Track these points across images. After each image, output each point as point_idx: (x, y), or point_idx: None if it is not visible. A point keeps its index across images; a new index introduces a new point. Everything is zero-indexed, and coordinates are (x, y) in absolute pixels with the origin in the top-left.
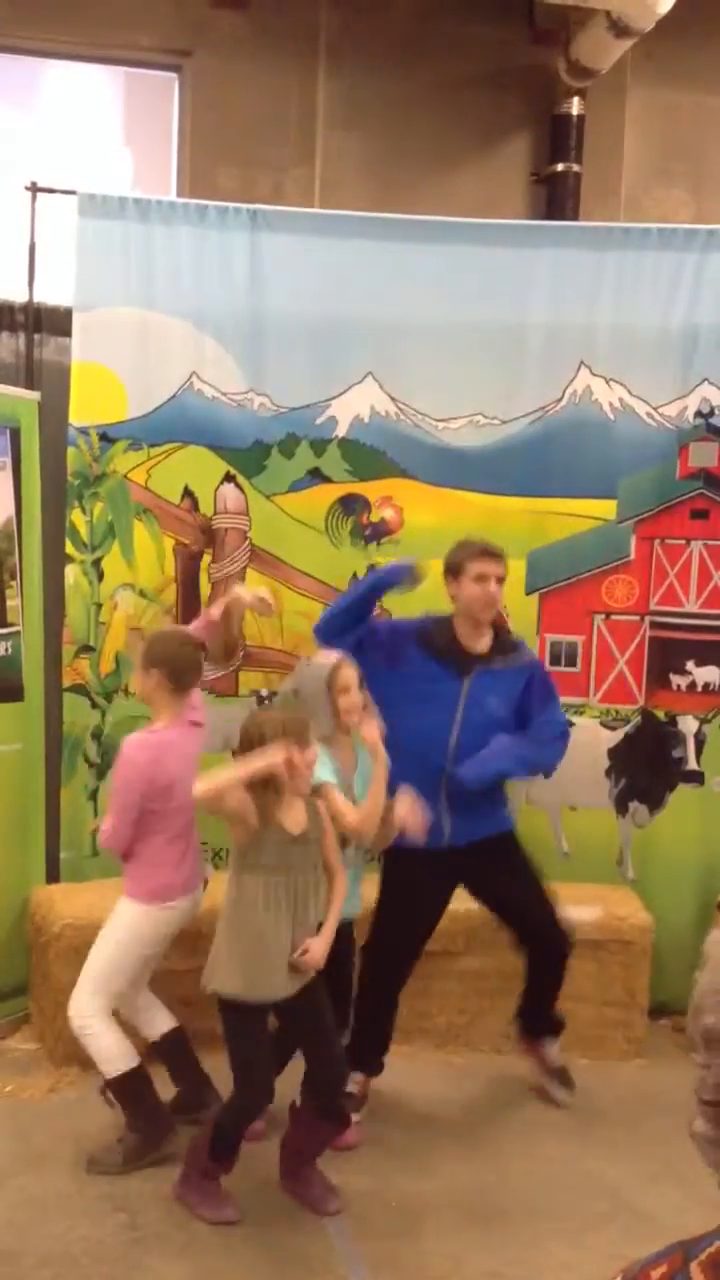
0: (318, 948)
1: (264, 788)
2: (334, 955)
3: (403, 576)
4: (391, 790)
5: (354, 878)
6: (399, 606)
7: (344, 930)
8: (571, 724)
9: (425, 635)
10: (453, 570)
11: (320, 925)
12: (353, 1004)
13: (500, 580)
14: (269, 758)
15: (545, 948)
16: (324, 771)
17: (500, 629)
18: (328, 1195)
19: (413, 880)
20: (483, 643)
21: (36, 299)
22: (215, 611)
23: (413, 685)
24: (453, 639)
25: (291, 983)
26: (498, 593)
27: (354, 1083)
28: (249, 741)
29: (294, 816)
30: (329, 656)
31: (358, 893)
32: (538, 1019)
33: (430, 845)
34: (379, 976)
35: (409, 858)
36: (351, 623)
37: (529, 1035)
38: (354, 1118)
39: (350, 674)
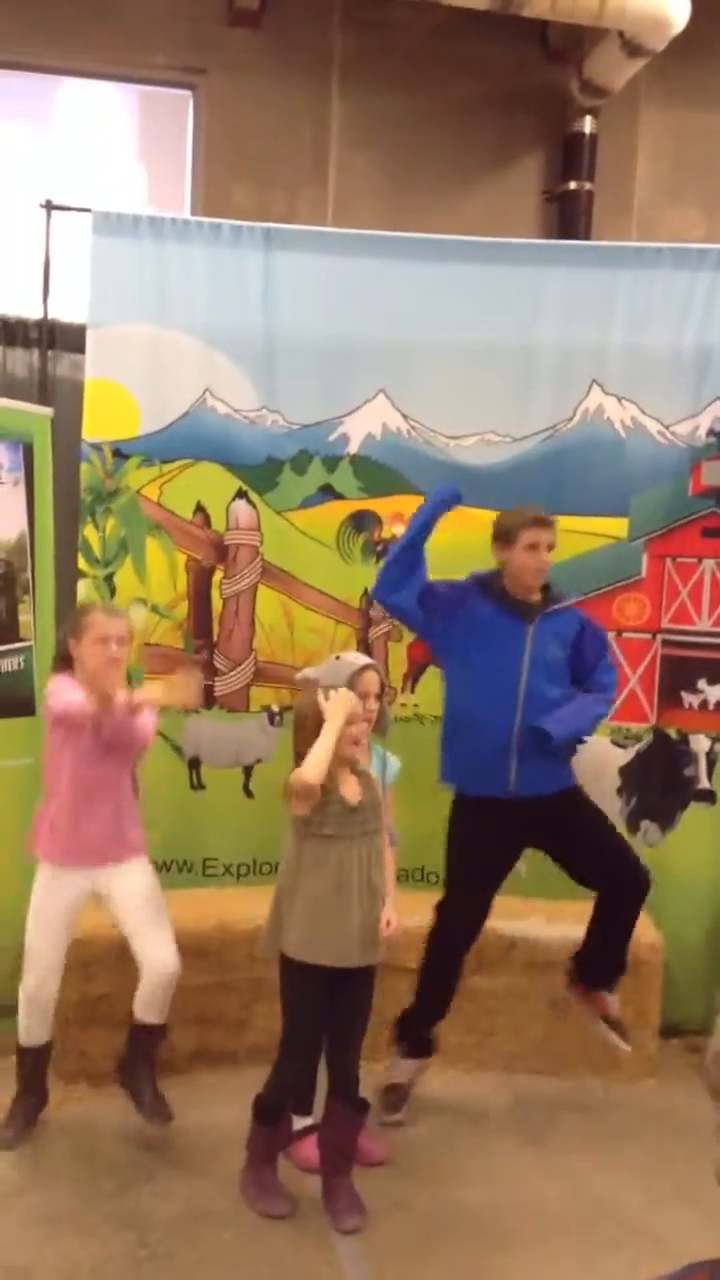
0: (395, 916)
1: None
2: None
3: (452, 493)
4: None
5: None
6: None
7: None
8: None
9: (487, 584)
10: (505, 537)
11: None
12: (418, 978)
13: (551, 548)
14: (338, 721)
15: (622, 886)
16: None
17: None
18: (350, 1211)
19: (478, 831)
20: (535, 596)
21: (51, 315)
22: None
23: (479, 630)
24: (508, 591)
25: (364, 953)
26: (548, 561)
27: (404, 1072)
28: (305, 719)
29: (350, 787)
30: (358, 659)
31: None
32: (603, 967)
33: (496, 794)
34: (448, 932)
35: (474, 808)
36: (409, 567)
37: (589, 983)
38: (399, 1116)
39: (373, 680)
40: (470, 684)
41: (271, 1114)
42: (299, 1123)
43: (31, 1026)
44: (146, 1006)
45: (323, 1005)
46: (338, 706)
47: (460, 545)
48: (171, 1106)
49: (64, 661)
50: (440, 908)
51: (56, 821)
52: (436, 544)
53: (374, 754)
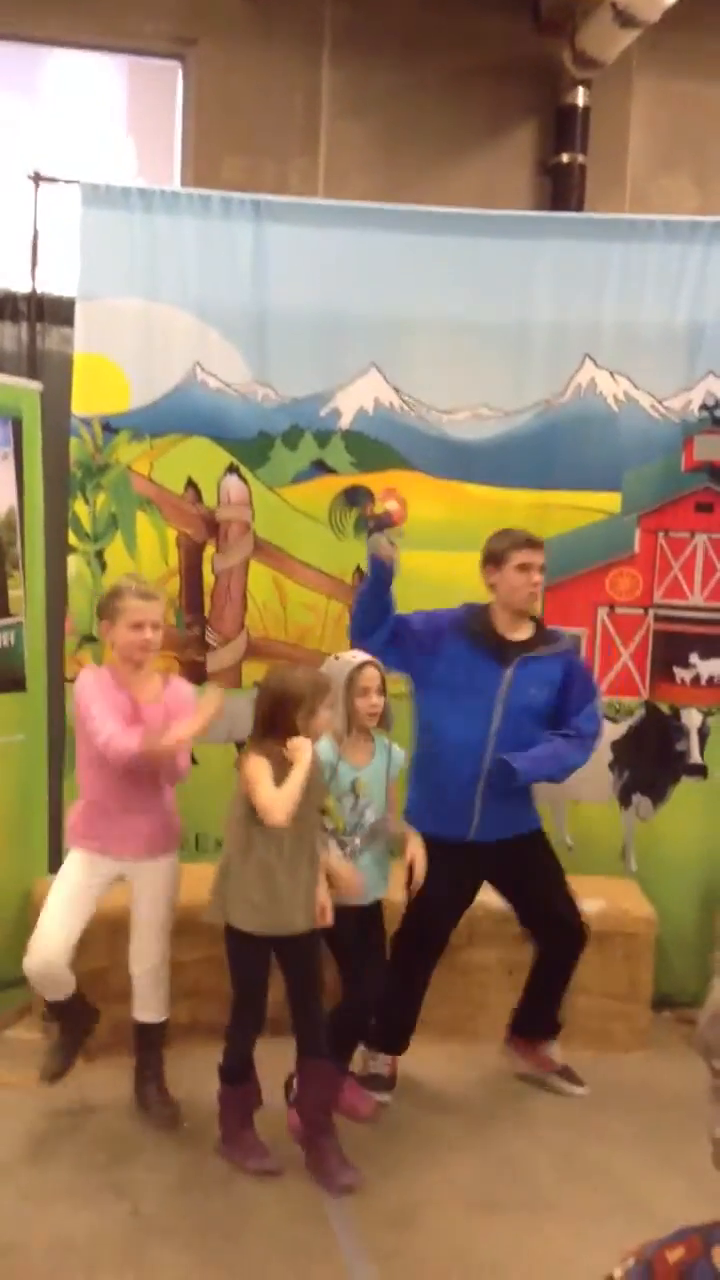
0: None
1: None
2: (364, 931)
3: (380, 565)
4: (431, 776)
5: (376, 861)
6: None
7: (373, 909)
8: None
9: (463, 624)
10: (494, 559)
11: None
12: (388, 985)
13: (541, 570)
14: (304, 766)
15: (560, 943)
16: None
17: (537, 619)
18: (341, 1170)
19: (436, 873)
20: (522, 631)
21: (39, 289)
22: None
23: (453, 674)
24: (492, 628)
25: (306, 919)
26: (539, 582)
27: (383, 1063)
28: (271, 696)
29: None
30: (356, 656)
31: (384, 875)
32: (539, 1020)
33: (455, 837)
34: (405, 964)
35: (433, 850)
36: (377, 616)
37: (527, 1037)
38: (384, 1098)
39: (373, 676)
40: (441, 725)
41: (233, 1074)
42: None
43: (46, 991)
44: (140, 1006)
45: (267, 972)
46: (302, 752)
47: (454, 523)
48: (177, 1105)
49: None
50: (397, 937)
51: (88, 818)
52: (426, 519)
53: (379, 746)
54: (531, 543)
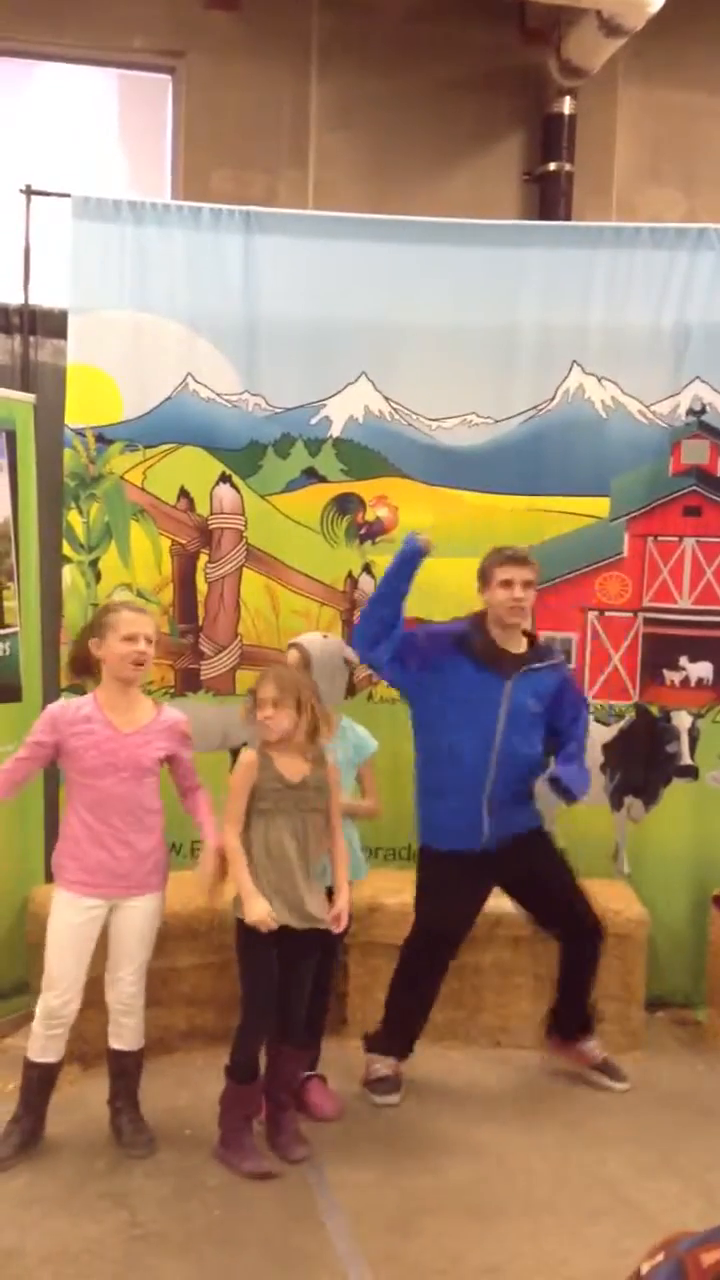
0: (341, 909)
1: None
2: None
3: (414, 546)
4: (438, 791)
5: (354, 840)
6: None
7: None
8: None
9: (464, 639)
10: (482, 577)
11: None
12: (388, 993)
13: (527, 584)
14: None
15: (577, 939)
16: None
17: (530, 634)
18: (294, 1143)
19: (448, 881)
20: (518, 644)
21: (31, 301)
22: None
23: (456, 689)
24: (490, 642)
25: (300, 920)
26: (525, 597)
27: (386, 1066)
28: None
29: (294, 766)
30: (299, 637)
31: (360, 856)
32: (572, 1018)
33: (468, 848)
34: (416, 972)
35: (445, 859)
36: (388, 623)
37: (563, 1036)
38: (392, 1099)
39: (293, 656)
40: (445, 739)
41: (240, 1073)
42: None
43: (48, 1044)
44: (117, 1034)
45: (271, 967)
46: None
47: (445, 530)
48: (152, 1130)
49: (80, 664)
50: (406, 945)
51: (74, 857)
52: (417, 526)
53: (341, 730)
54: (515, 559)
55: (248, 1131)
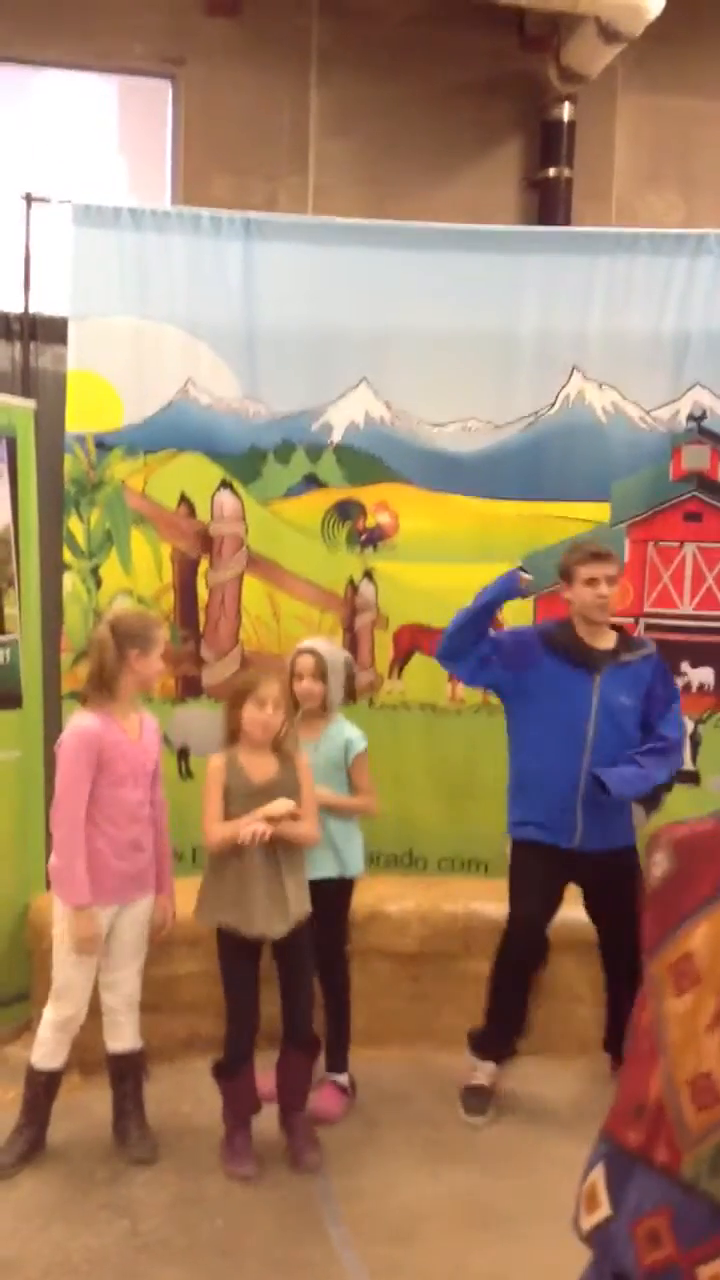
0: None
1: (232, 738)
2: (325, 912)
3: (514, 586)
4: (531, 789)
5: (327, 841)
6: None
7: (330, 888)
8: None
9: (550, 637)
10: (565, 575)
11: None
12: (488, 991)
13: (611, 580)
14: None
15: (627, 968)
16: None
17: (618, 628)
18: (307, 1148)
19: (534, 873)
20: (607, 640)
21: (32, 308)
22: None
23: (545, 684)
24: (577, 639)
25: (267, 923)
26: (610, 594)
27: (485, 1074)
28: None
29: (257, 767)
30: (301, 644)
31: (336, 855)
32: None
33: (560, 844)
34: (507, 964)
35: (536, 852)
36: (471, 642)
37: (618, 1055)
38: (481, 1120)
39: (305, 664)
40: (538, 738)
41: (223, 1070)
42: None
43: (56, 1051)
44: (114, 1035)
45: (248, 971)
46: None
47: (445, 535)
48: (155, 1138)
49: (106, 679)
50: (502, 942)
51: (97, 868)
52: (418, 532)
53: (333, 729)
54: (598, 555)
55: (242, 1131)
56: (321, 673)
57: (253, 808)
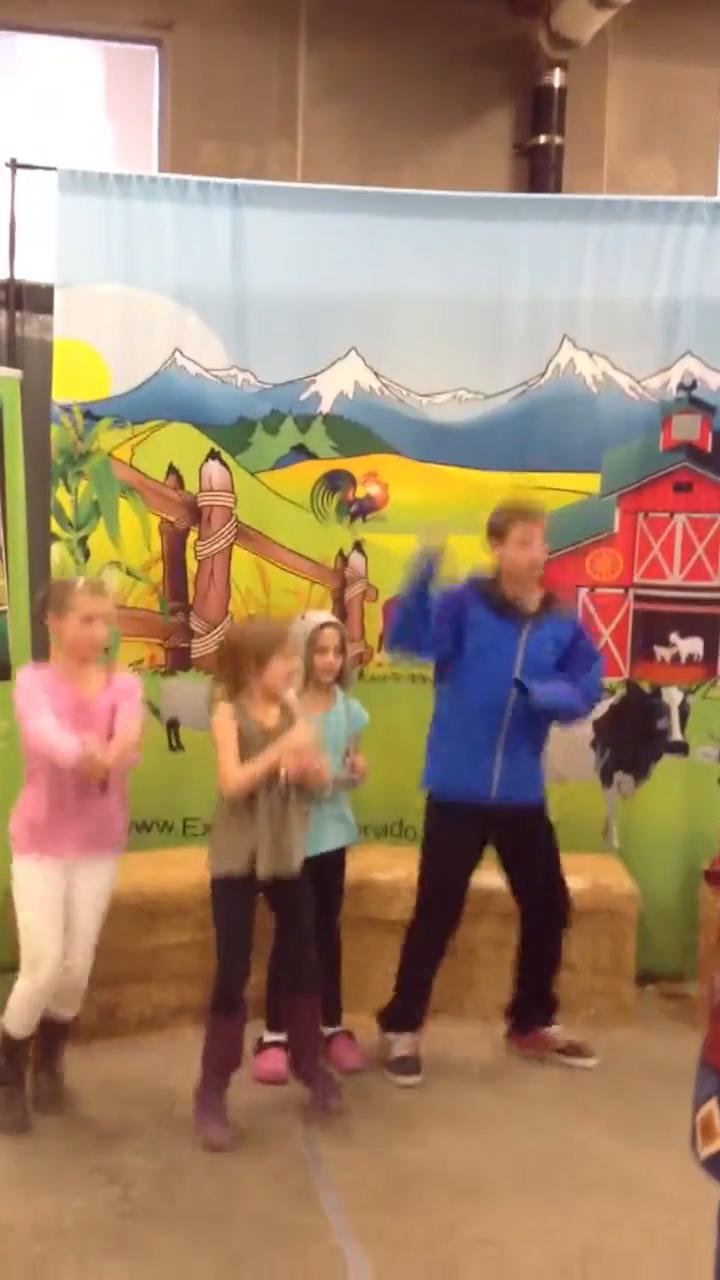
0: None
1: (237, 690)
2: (334, 880)
3: (430, 563)
4: (451, 738)
5: (336, 813)
6: None
7: (333, 858)
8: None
9: (480, 587)
10: (496, 533)
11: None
12: (399, 964)
13: (542, 539)
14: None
15: (545, 922)
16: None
17: (544, 586)
18: (331, 1093)
19: (453, 832)
20: (532, 596)
21: (18, 276)
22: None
23: (476, 638)
24: (505, 594)
25: (278, 863)
26: (541, 554)
27: (404, 1045)
28: (229, 651)
29: (269, 715)
30: (319, 617)
31: (345, 827)
32: (535, 1005)
33: (475, 798)
34: (429, 930)
35: (452, 812)
36: (423, 628)
37: (528, 1026)
38: (412, 1081)
39: (332, 636)
40: (463, 685)
41: (215, 1004)
42: (269, 1037)
43: (31, 1021)
44: (62, 1005)
45: (248, 914)
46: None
47: (435, 506)
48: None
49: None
50: (418, 908)
51: (37, 822)
52: (408, 503)
53: (338, 702)
54: (528, 515)
55: (220, 1088)
56: (343, 647)
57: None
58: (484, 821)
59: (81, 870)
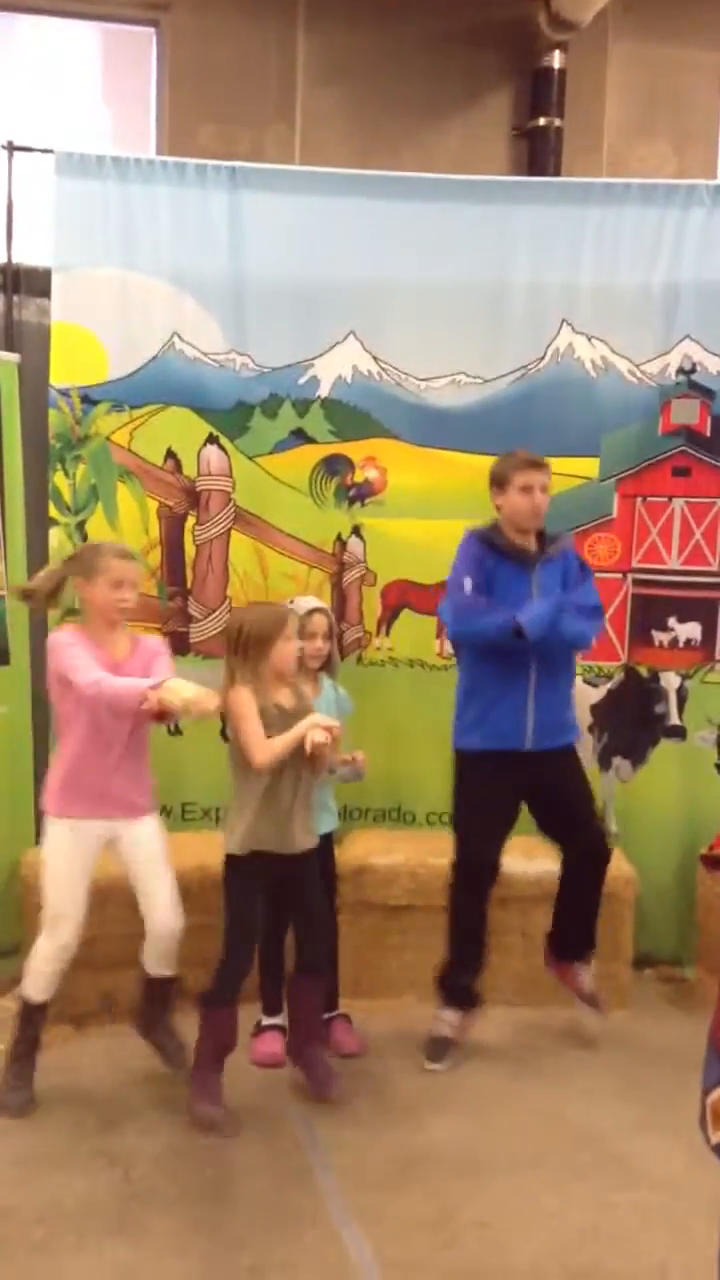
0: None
1: (255, 675)
2: (324, 864)
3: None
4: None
5: (325, 798)
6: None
7: (324, 843)
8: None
9: (488, 539)
10: (498, 482)
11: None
12: (447, 935)
13: (544, 489)
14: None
15: (588, 860)
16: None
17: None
18: (331, 1077)
19: (490, 784)
20: (531, 540)
21: (15, 260)
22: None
23: (493, 589)
24: (510, 541)
25: (302, 839)
26: (543, 502)
27: (449, 1025)
28: (238, 637)
29: (284, 694)
30: (308, 602)
31: (332, 808)
32: (573, 940)
33: (511, 747)
34: (467, 888)
35: (487, 761)
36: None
37: (563, 958)
38: (441, 1066)
39: (320, 623)
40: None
41: (213, 1000)
42: (267, 1021)
43: (49, 985)
44: (157, 962)
45: (259, 899)
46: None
47: (434, 491)
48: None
49: (49, 595)
50: (456, 863)
51: (72, 784)
52: (406, 487)
53: (325, 687)
54: (533, 463)
55: (215, 1073)
56: (331, 633)
57: (285, 730)
58: (518, 771)
59: (134, 829)
